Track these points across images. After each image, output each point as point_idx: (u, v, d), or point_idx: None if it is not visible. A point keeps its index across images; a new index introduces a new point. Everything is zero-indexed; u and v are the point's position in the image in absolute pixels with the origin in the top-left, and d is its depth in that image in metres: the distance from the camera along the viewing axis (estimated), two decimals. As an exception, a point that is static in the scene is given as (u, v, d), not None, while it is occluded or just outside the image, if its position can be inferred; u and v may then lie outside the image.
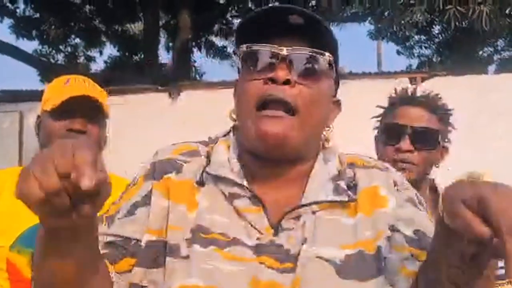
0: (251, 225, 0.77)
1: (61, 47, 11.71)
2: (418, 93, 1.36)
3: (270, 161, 0.81)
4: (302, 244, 0.75)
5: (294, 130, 0.78)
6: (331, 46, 0.83)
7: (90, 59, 12.55)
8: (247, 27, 0.84)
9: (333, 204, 0.80)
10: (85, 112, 1.27)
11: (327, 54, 0.81)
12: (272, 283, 0.73)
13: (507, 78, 6.10)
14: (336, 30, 10.88)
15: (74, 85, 1.30)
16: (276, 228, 0.77)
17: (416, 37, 13.46)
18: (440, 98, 1.36)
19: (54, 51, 11.69)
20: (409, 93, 1.35)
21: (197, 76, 13.17)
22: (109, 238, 0.79)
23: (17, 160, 6.12)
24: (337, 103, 0.91)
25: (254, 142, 0.80)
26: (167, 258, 0.76)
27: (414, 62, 14.43)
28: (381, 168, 0.88)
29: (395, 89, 1.38)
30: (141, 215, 0.80)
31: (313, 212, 0.79)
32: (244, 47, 0.82)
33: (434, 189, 1.38)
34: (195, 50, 12.51)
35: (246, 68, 0.83)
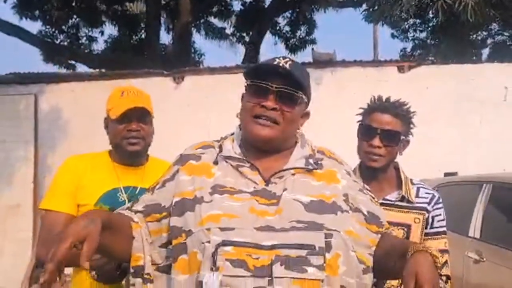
0: (251, 181, 1.24)
1: (63, 27, 11.86)
2: (391, 99, 1.79)
3: (261, 149, 1.28)
4: (283, 191, 1.21)
5: (275, 134, 1.26)
6: (305, 84, 1.28)
7: (91, 39, 12.70)
8: (254, 69, 1.30)
9: (305, 170, 1.26)
10: (138, 117, 1.78)
11: (300, 92, 1.26)
12: (263, 211, 1.18)
13: (489, 67, 6.45)
14: (333, 14, 11.17)
15: (128, 98, 1.78)
16: (267, 182, 1.24)
17: (411, 20, 13.74)
18: (405, 104, 1.79)
19: (57, 32, 11.85)
20: (383, 101, 1.78)
21: (197, 57, 13.39)
22: (148, 202, 1.29)
23: (33, 141, 6.44)
24: (306, 114, 1.35)
25: (251, 139, 1.28)
26: (196, 205, 1.19)
27: (409, 45, 14.76)
28: (339, 161, 1.36)
29: (373, 97, 1.81)
30: (169, 187, 1.28)
31: (292, 174, 1.26)
32: (249, 81, 1.28)
33: (397, 168, 1.83)
34: (194, 31, 12.72)
35: (250, 93, 1.28)
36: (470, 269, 3.64)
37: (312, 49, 7.49)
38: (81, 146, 6.57)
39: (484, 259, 3.51)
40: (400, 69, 6.50)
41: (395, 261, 1.18)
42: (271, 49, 13.43)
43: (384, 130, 1.72)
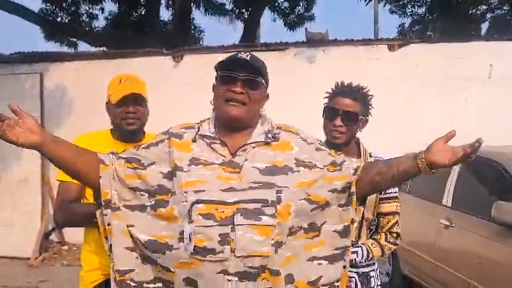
0: (220, 155, 1.56)
1: (64, 5, 11.96)
2: (352, 85, 2.08)
3: (231, 127, 1.60)
4: (245, 161, 1.54)
5: (244, 113, 1.58)
6: (263, 72, 1.62)
7: (92, 16, 12.80)
8: (223, 63, 1.60)
9: (263, 143, 1.59)
10: (134, 102, 2.08)
11: (260, 78, 1.61)
12: (228, 177, 1.50)
13: (477, 46, 6.61)
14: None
15: (125, 85, 2.07)
16: (234, 155, 1.56)
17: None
18: (364, 88, 2.09)
19: (57, 10, 11.93)
20: (344, 86, 2.07)
21: (196, 33, 13.52)
22: (130, 155, 1.64)
23: (39, 118, 6.66)
24: (266, 96, 1.68)
25: (224, 119, 1.59)
26: (177, 173, 1.52)
27: (407, 21, 14.82)
28: (295, 132, 1.66)
29: (337, 83, 2.10)
30: (152, 150, 1.63)
31: (253, 147, 1.57)
32: (220, 72, 1.60)
33: (358, 143, 2.14)
34: (194, 7, 12.81)
35: (222, 82, 1.59)
36: (442, 234, 3.98)
37: (306, 29, 7.68)
38: (84, 121, 6.87)
39: (454, 225, 3.85)
40: (391, 48, 6.68)
41: (398, 167, 1.54)
42: (270, 26, 13.52)
43: (344, 112, 2.01)
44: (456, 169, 4.06)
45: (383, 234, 2.09)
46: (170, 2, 12.69)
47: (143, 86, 2.13)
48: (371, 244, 2.05)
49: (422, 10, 14.64)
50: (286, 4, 13.03)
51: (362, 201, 1.97)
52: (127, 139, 2.11)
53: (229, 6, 13.40)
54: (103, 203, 1.60)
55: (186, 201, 1.47)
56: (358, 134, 2.13)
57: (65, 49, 12.03)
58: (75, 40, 12.27)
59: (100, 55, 7.72)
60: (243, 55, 1.59)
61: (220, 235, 1.43)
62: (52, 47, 11.83)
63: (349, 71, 6.58)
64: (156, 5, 11.20)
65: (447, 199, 4.06)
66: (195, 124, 1.67)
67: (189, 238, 1.44)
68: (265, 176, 1.51)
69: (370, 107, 2.10)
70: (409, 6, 14.53)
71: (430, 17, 14.56)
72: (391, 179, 1.57)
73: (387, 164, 1.60)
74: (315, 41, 6.76)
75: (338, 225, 1.59)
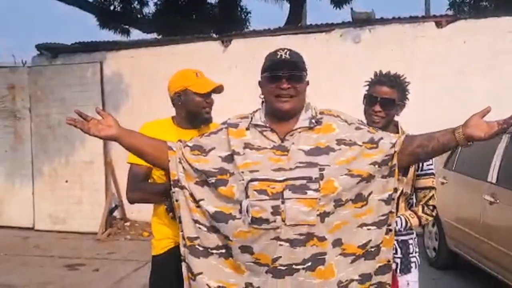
0: (271, 140, 1.79)
1: (116, -7, 12.39)
2: (390, 73, 2.29)
3: (281, 116, 1.82)
4: (292, 144, 1.76)
5: (294, 104, 1.80)
6: (303, 64, 1.83)
7: (142, 3, 13.21)
8: (268, 64, 1.83)
9: (308, 128, 1.80)
10: (213, 94, 2.37)
11: (303, 72, 1.82)
12: (277, 159, 1.73)
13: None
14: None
15: (205, 79, 2.35)
16: (282, 140, 1.78)
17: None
18: (400, 76, 2.29)
19: (110, -2, 12.41)
20: (382, 75, 2.29)
21: (243, 15, 13.67)
22: (195, 142, 1.91)
23: (101, 104, 7.18)
24: (307, 83, 1.86)
25: (278, 112, 1.81)
26: (235, 156, 1.77)
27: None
28: (336, 115, 1.86)
29: (375, 72, 2.32)
30: (212, 137, 1.90)
31: (299, 132, 1.79)
32: (267, 74, 1.82)
33: (396, 125, 2.36)
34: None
35: (269, 81, 1.81)
36: (486, 210, 4.08)
37: (351, 8, 7.69)
38: (139, 104, 7.39)
39: (498, 201, 3.94)
40: (438, 25, 6.61)
41: (437, 139, 1.70)
42: (316, 4, 13.42)
43: (382, 99, 2.23)
44: (501, 146, 4.12)
45: (420, 207, 2.30)
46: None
47: (214, 83, 2.40)
48: (409, 214, 2.27)
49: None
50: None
51: (404, 173, 2.16)
52: (196, 125, 2.35)
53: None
54: (172, 183, 1.88)
55: (243, 180, 1.72)
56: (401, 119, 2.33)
57: (118, 36, 12.56)
58: (127, 27, 12.76)
59: (153, 42, 8.09)
60: (283, 53, 1.81)
61: (272, 207, 1.67)
62: (107, 34, 12.35)
63: (396, 50, 6.63)
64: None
65: (492, 175, 4.14)
66: (249, 115, 1.90)
67: (247, 210, 1.70)
68: (309, 157, 1.74)
69: (407, 93, 2.29)
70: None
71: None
72: (431, 150, 1.73)
73: (428, 137, 1.75)
74: (361, 21, 6.81)
75: (383, 194, 1.77)
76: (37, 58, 8.22)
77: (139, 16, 12.82)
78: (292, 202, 1.67)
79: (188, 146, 1.92)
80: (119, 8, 12.55)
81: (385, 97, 2.23)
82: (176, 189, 1.87)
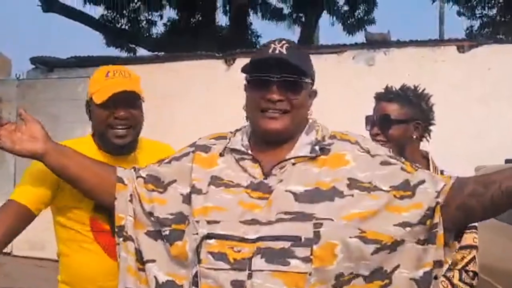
0: (250, 175, 1.21)
1: (124, 12, 12.24)
2: (403, 87, 1.74)
3: (270, 140, 1.26)
4: (279, 182, 1.18)
5: (287, 124, 1.22)
6: (305, 66, 1.22)
7: (151, 23, 13.03)
8: (253, 60, 1.24)
9: (307, 159, 1.21)
10: (126, 103, 1.55)
11: (302, 77, 1.21)
12: (252, 205, 1.16)
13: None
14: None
15: (114, 80, 1.55)
16: (268, 174, 1.20)
17: (479, -4, 12.95)
18: (410, 87, 1.75)
19: (118, 16, 12.23)
20: (384, 88, 1.76)
21: (253, 38, 13.38)
22: (151, 172, 1.35)
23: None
24: (313, 93, 1.30)
25: (262, 133, 1.24)
26: (193, 196, 1.22)
27: (476, 23, 13.92)
28: (354, 142, 1.25)
29: (387, 86, 1.77)
30: (173, 166, 1.33)
31: (293, 164, 1.20)
32: (248, 76, 1.25)
33: (426, 157, 1.76)
34: (252, 12, 12.70)
35: (252, 87, 1.24)
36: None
37: (365, 29, 7.25)
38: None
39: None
40: (460, 49, 6.14)
41: (500, 184, 1.10)
42: (328, 30, 13.18)
43: (378, 117, 1.70)
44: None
45: (457, 272, 1.66)
46: (228, 8, 12.67)
47: (138, 81, 1.62)
48: (442, 282, 1.63)
49: (493, 11, 13.74)
50: (345, 7, 12.60)
51: (457, 235, 1.32)
52: (114, 151, 1.61)
53: (286, 11, 13.21)
54: (116, 229, 1.33)
55: (197, 234, 1.16)
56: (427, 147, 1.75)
57: (124, 55, 12.28)
58: (134, 46, 12.49)
59: (151, 59, 7.70)
60: (277, 47, 1.21)
61: (232, 282, 1.09)
62: (113, 52, 12.10)
63: (413, 75, 6.10)
64: (212, 10, 11.17)
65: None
66: (229, 134, 1.35)
67: (196, 283, 1.12)
68: (301, 204, 1.13)
69: (424, 107, 1.71)
70: (479, 8, 13.66)
71: (502, 19, 13.58)
72: (490, 201, 1.12)
73: (484, 181, 1.15)
74: (376, 42, 6.32)
75: (417, 270, 1.15)
76: (32, 72, 7.85)
77: (146, 35, 12.59)
78: (265, 276, 1.08)
79: (142, 177, 1.35)
80: (126, 26, 12.38)
81: (381, 114, 1.70)
82: (120, 239, 1.31)
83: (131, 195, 1.33)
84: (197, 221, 1.17)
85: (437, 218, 1.15)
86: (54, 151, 1.35)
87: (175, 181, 1.30)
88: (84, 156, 1.41)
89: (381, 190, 1.16)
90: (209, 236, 1.13)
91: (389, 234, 1.13)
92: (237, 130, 1.34)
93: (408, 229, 1.14)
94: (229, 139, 1.31)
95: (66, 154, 1.38)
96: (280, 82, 1.19)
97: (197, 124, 5.85)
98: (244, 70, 1.26)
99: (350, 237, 1.10)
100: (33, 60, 7.80)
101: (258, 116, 1.23)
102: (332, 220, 1.10)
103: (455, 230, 1.20)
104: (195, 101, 6.53)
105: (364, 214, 1.12)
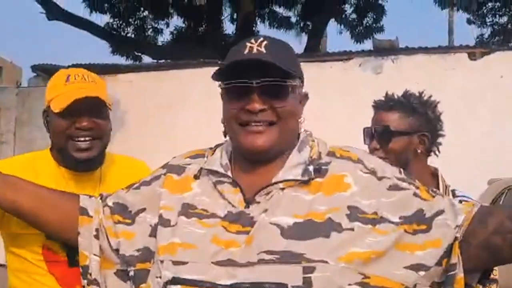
0: (228, 202, 1.00)
1: (130, 20, 12.21)
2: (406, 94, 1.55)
3: (255, 160, 1.03)
4: (263, 212, 0.96)
5: (273, 138, 1.00)
6: (289, 65, 1.00)
7: (157, 31, 12.99)
8: (226, 64, 1.02)
9: (298, 182, 0.99)
10: (90, 111, 1.35)
11: (287, 80, 1.00)
12: (228, 241, 0.95)
13: None
14: (406, 1, 10.54)
15: (75, 85, 1.36)
16: (250, 202, 0.99)
17: (490, 4, 12.75)
18: (413, 95, 1.54)
19: (124, 25, 12.20)
20: (383, 97, 1.57)
21: (260, 47, 13.28)
22: (118, 200, 1.13)
23: None
24: (305, 97, 1.08)
25: (244, 151, 1.02)
26: (159, 227, 1.02)
27: (487, 31, 13.69)
28: (357, 160, 1.03)
29: (387, 93, 1.59)
30: (143, 192, 1.12)
31: (282, 189, 0.98)
32: (223, 84, 1.02)
33: (435, 175, 1.54)
34: (258, 21, 12.61)
35: (229, 96, 1.02)
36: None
37: (373, 36, 7.08)
38: (137, 132, 6.76)
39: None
40: (471, 56, 5.95)
41: None
42: (336, 38, 13.07)
43: (376, 129, 1.52)
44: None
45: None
46: (235, 16, 12.62)
47: (103, 87, 1.42)
48: None
49: (503, 19, 13.52)
50: (353, 15, 12.46)
51: (483, 278, 1.05)
52: (76, 167, 1.40)
53: (294, 19, 13.11)
54: (81, 270, 1.12)
55: (160, 277, 0.96)
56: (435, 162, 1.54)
57: (129, 62, 12.24)
58: (139, 54, 12.44)
59: (154, 67, 7.62)
60: (254, 46, 0.99)
61: None
62: (118, 60, 12.06)
63: (422, 83, 5.91)
64: (219, 19, 11.10)
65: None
66: (208, 151, 1.12)
67: None
68: (289, 241, 0.92)
69: (432, 116, 1.51)
70: (489, 16, 13.45)
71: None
72: None
73: None
74: (384, 49, 6.14)
75: None
76: (33, 80, 7.78)
77: (152, 43, 12.54)
78: None
79: (108, 206, 1.13)
80: (132, 34, 12.35)
81: (379, 125, 1.52)
82: (85, 282, 1.11)
83: (97, 229, 1.12)
84: (161, 261, 0.97)
85: (455, 258, 0.93)
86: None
87: (144, 209, 1.09)
88: (39, 186, 1.18)
89: (390, 222, 0.95)
90: (174, 281, 0.93)
91: (399, 281, 0.92)
92: (217, 146, 1.12)
93: (422, 273, 0.93)
94: (206, 157, 1.09)
95: (16, 186, 1.14)
96: (261, 87, 0.98)
97: (199, 130, 5.71)
98: (215, 76, 1.02)
99: (350, 285, 0.90)
100: (34, 68, 7.75)
101: (238, 131, 1.01)
102: (327, 262, 0.90)
103: (479, 271, 0.99)
104: (197, 108, 6.40)
105: (367, 255, 0.92)
